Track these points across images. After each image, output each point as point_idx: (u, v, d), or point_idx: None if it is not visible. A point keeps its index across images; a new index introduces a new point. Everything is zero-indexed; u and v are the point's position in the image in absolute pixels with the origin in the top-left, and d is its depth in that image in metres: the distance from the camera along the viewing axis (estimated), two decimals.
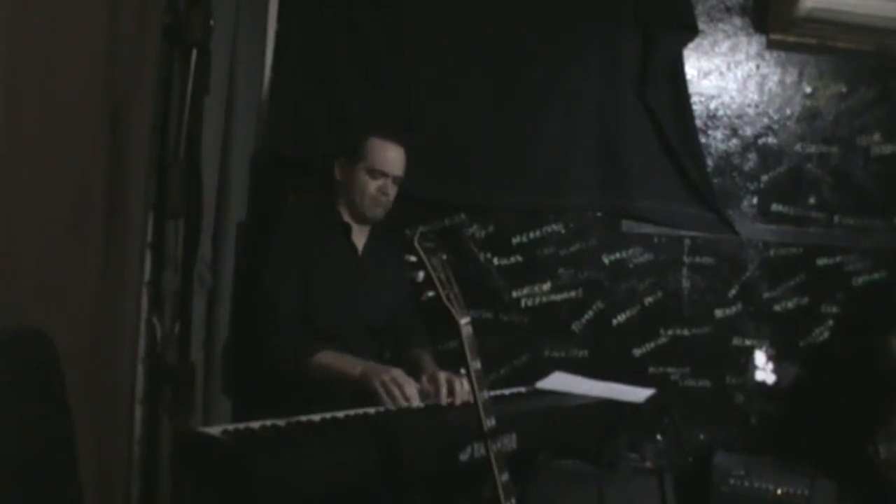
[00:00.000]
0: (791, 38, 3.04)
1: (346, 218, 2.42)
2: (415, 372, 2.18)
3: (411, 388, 2.02)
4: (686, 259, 3.05)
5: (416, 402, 2.03)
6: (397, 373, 2.05)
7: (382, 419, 1.89)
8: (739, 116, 3.08)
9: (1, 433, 1.15)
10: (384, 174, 2.37)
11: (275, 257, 2.29)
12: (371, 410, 1.94)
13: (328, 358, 2.15)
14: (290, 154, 2.80)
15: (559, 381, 2.46)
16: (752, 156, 3.08)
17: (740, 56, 3.08)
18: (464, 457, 1.79)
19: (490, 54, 2.93)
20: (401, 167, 2.41)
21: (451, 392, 2.07)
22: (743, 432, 3.05)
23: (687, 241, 3.05)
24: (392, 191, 2.40)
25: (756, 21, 3.06)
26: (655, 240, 3.05)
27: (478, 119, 2.93)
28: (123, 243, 1.82)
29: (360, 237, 2.45)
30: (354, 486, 1.64)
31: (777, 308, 3.07)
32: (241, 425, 1.70)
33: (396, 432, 1.77)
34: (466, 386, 2.09)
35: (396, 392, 1.99)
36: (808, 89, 3.09)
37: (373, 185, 2.36)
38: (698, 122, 3.03)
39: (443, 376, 2.11)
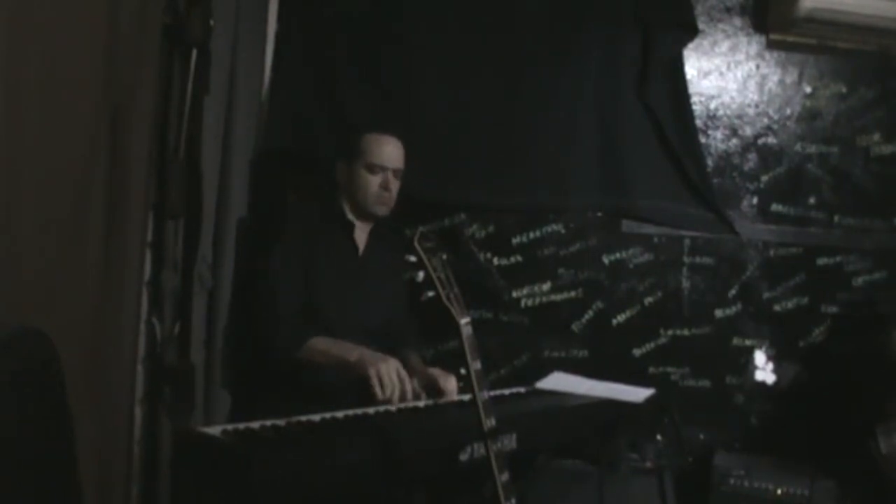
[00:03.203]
0: (791, 38, 3.03)
1: (350, 216, 2.42)
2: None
3: (407, 383, 2.02)
4: (686, 259, 3.05)
5: (410, 397, 2.03)
6: (395, 365, 2.03)
7: (382, 419, 1.89)
8: (739, 116, 3.07)
9: (1, 433, 1.15)
10: (383, 168, 2.37)
11: (279, 256, 2.29)
12: (371, 410, 1.94)
13: (324, 343, 2.16)
14: (289, 153, 2.80)
15: (559, 381, 2.46)
16: (752, 156, 3.08)
17: (740, 56, 3.07)
18: (464, 457, 1.78)
19: (490, 54, 2.93)
20: (399, 159, 2.41)
21: (444, 389, 2.11)
22: (743, 432, 3.04)
23: (687, 241, 3.05)
24: (394, 185, 2.40)
25: (756, 21, 3.06)
26: (655, 240, 3.04)
27: (478, 119, 2.92)
28: (123, 243, 1.82)
29: (361, 235, 2.45)
30: (354, 486, 1.64)
31: (777, 308, 3.07)
32: (241, 425, 1.70)
33: (396, 432, 1.77)
34: (454, 384, 2.12)
35: (388, 383, 1.97)
36: (808, 89, 3.08)
37: (374, 181, 2.36)
38: (698, 122, 3.03)
39: (437, 371, 2.15)
